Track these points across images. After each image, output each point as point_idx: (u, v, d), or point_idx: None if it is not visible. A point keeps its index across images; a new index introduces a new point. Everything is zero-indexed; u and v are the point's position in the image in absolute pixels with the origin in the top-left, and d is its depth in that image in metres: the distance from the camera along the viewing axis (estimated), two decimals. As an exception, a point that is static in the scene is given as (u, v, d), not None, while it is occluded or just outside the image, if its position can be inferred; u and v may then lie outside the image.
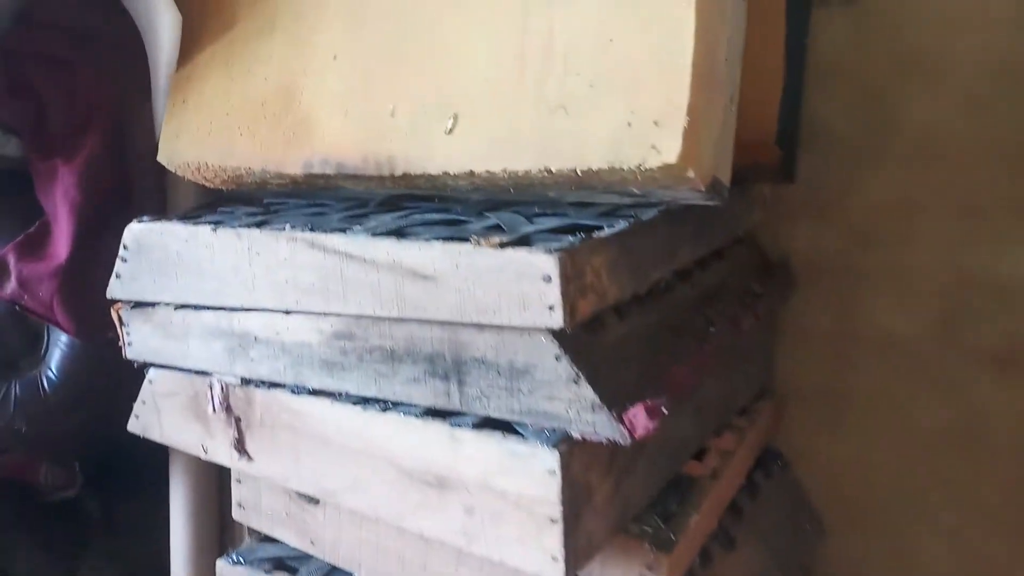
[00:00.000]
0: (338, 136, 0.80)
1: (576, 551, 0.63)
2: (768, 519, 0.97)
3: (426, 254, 0.65)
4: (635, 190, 0.70)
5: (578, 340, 0.62)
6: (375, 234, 0.69)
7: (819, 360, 1.10)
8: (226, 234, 0.78)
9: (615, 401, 0.60)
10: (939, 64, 0.98)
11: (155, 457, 1.10)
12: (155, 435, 0.93)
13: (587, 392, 0.60)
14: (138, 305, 0.89)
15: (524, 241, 0.63)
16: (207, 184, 0.95)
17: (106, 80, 1.00)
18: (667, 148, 0.62)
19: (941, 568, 1.08)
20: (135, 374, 0.92)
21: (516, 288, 0.60)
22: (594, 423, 0.60)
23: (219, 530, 1.13)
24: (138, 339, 0.89)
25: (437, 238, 0.66)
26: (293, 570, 0.91)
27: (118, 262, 0.87)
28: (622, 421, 0.59)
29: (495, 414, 0.65)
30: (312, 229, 0.73)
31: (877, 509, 1.09)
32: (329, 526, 0.87)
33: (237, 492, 0.95)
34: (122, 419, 0.95)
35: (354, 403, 0.74)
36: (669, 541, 0.72)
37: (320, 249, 0.71)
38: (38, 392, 1.08)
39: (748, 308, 0.88)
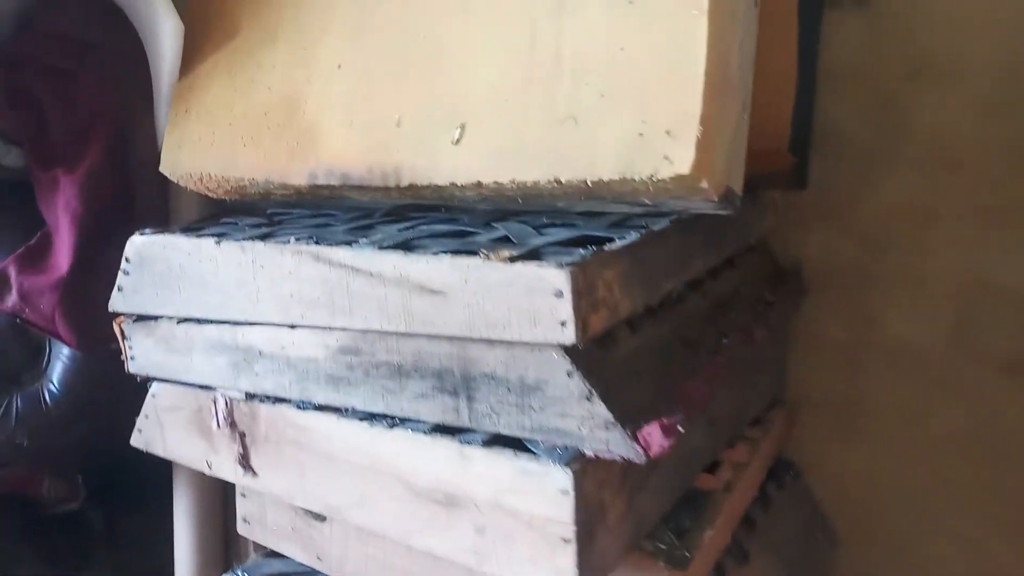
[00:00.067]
0: (343, 146, 0.78)
1: (590, 571, 0.62)
2: (781, 530, 0.96)
3: (434, 268, 0.63)
4: (646, 200, 0.68)
5: (590, 356, 0.60)
6: (381, 247, 0.67)
7: (831, 368, 1.08)
8: (230, 247, 0.77)
9: (629, 418, 0.59)
10: (953, 67, 0.97)
11: (158, 470, 1.09)
12: (158, 450, 0.91)
13: (600, 409, 0.58)
14: (140, 319, 0.87)
15: (534, 254, 0.61)
16: (210, 194, 0.94)
17: (107, 89, 0.99)
18: (680, 158, 0.61)
19: (957, 578, 1.06)
20: (137, 387, 0.91)
21: (527, 303, 0.59)
22: (608, 441, 0.59)
23: (223, 544, 1.12)
24: (140, 353, 0.88)
25: (445, 251, 0.64)
26: (299, 586, 0.90)
27: (120, 275, 0.86)
28: (636, 439, 0.57)
29: (505, 431, 0.64)
30: (317, 242, 0.72)
31: (891, 518, 1.08)
32: (336, 542, 0.86)
33: (242, 507, 0.94)
34: (125, 432, 0.93)
35: (361, 419, 0.72)
36: (684, 559, 0.71)
37: (325, 262, 0.70)
38: (40, 406, 1.07)
39: (760, 317, 0.87)
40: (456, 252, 0.64)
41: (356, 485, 0.74)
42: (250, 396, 0.80)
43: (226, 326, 0.80)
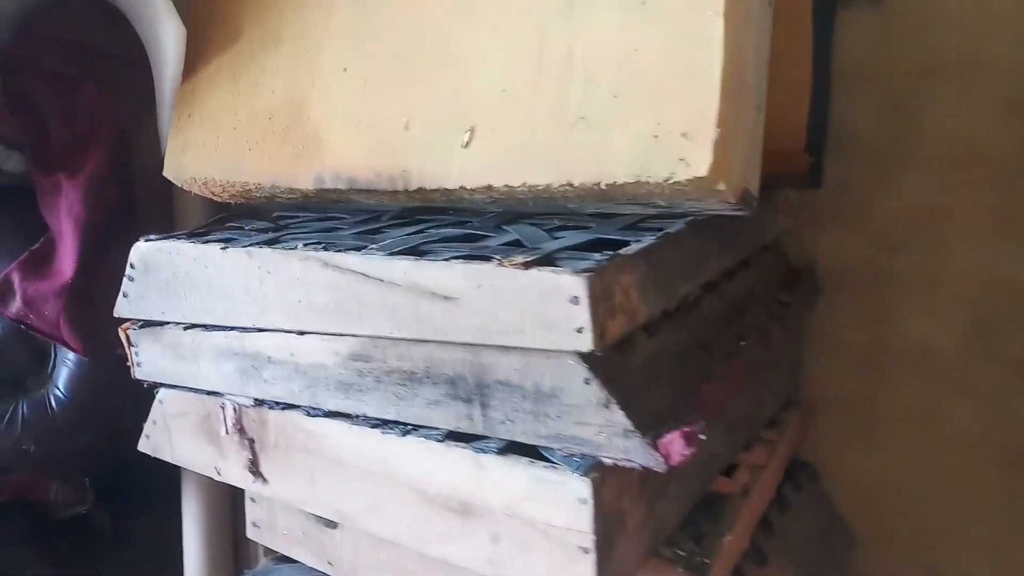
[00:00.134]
0: (350, 150, 0.77)
1: (609, 581, 0.61)
2: (798, 533, 0.95)
3: (446, 275, 0.62)
4: (660, 202, 0.67)
5: (608, 362, 0.59)
6: (391, 253, 0.66)
7: (847, 369, 1.07)
8: (236, 253, 0.76)
9: (648, 426, 0.58)
10: (968, 65, 0.95)
11: (166, 472, 1.08)
12: (166, 455, 0.91)
13: (619, 417, 0.57)
14: (146, 325, 0.86)
15: (549, 260, 0.60)
16: (215, 199, 0.93)
17: (109, 94, 0.98)
18: (697, 161, 0.59)
19: (977, 582, 1.05)
20: (144, 390, 0.90)
21: (542, 310, 0.58)
22: (627, 449, 0.58)
23: (233, 549, 1.11)
24: (147, 360, 0.87)
25: (456, 257, 0.63)
26: (310, 593, 0.89)
27: (125, 281, 0.85)
28: (657, 448, 0.56)
29: (521, 439, 0.63)
30: (325, 247, 0.70)
31: (908, 521, 1.06)
32: (347, 547, 0.85)
33: (251, 511, 0.93)
34: (132, 436, 0.92)
35: (372, 426, 0.71)
36: (703, 565, 0.70)
37: (334, 269, 0.69)
38: (46, 411, 1.06)
39: (776, 318, 0.86)
40: (468, 258, 0.62)
41: (368, 492, 0.73)
42: (259, 402, 0.79)
43: (234, 332, 0.79)
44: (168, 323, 0.84)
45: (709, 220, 0.72)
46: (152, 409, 0.89)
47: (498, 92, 0.70)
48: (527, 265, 0.58)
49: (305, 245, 0.72)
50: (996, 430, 1.01)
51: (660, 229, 0.68)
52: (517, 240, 0.69)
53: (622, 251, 0.61)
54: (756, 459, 0.87)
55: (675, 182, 0.60)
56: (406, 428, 0.69)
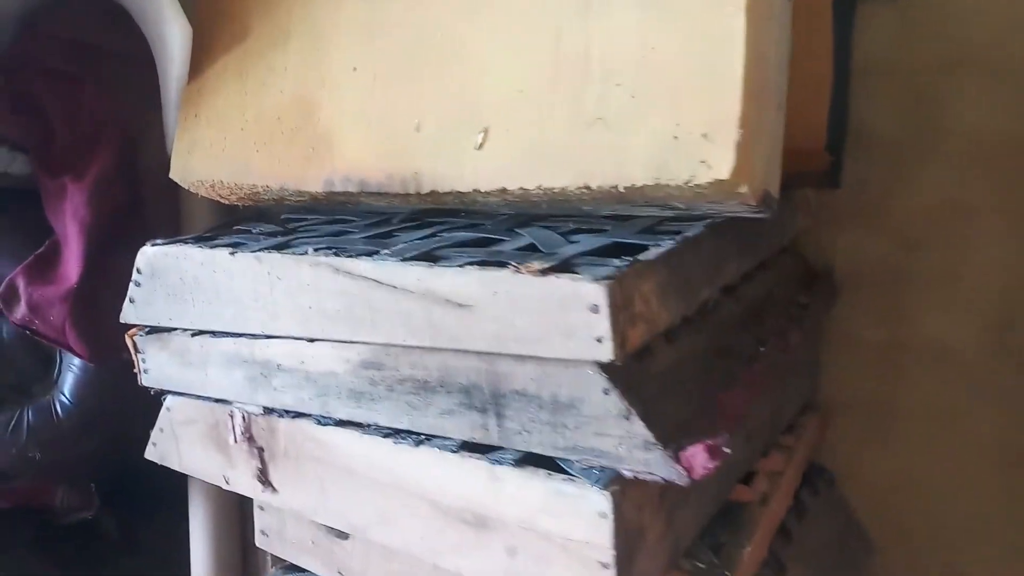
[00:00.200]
0: (360, 152, 0.76)
1: (629, 595, 0.59)
2: (816, 538, 0.93)
3: (461, 281, 0.60)
4: (679, 204, 0.66)
5: (628, 372, 0.57)
6: (404, 259, 0.64)
7: (865, 370, 1.05)
8: (245, 258, 0.74)
9: (670, 438, 0.56)
10: (989, 59, 0.93)
11: (174, 477, 1.06)
12: (174, 463, 0.89)
13: (640, 429, 0.55)
14: (153, 331, 0.85)
15: (567, 266, 0.58)
16: (222, 200, 0.91)
17: (114, 94, 0.97)
18: (719, 163, 0.58)
19: (997, 588, 1.03)
20: (150, 396, 0.88)
21: (560, 318, 0.56)
22: (648, 462, 0.56)
23: (241, 557, 1.10)
24: (154, 366, 0.85)
25: (471, 263, 0.61)
26: (321, 602, 0.87)
27: (132, 286, 0.83)
28: (679, 460, 0.55)
29: (537, 450, 0.61)
30: (336, 252, 0.69)
31: (928, 526, 1.05)
32: (358, 557, 0.83)
33: (260, 520, 0.91)
34: (138, 442, 0.91)
35: (384, 435, 0.70)
36: (723, 578, 0.68)
37: (346, 275, 0.67)
38: (51, 417, 1.05)
39: (795, 321, 0.84)
40: (483, 264, 0.61)
41: (379, 502, 0.71)
42: (268, 410, 0.78)
43: (243, 339, 0.77)
44: (175, 329, 0.83)
45: (728, 222, 0.70)
46: (159, 416, 0.88)
47: (512, 92, 0.68)
48: (544, 272, 0.57)
49: (315, 250, 0.70)
50: (1017, 430, 0.99)
51: (678, 232, 0.66)
52: (532, 244, 0.67)
53: (641, 256, 0.60)
54: (774, 466, 0.86)
55: (696, 184, 0.59)
56: (419, 438, 0.68)
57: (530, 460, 0.62)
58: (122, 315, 0.85)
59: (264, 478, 0.80)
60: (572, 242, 0.66)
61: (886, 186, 1.00)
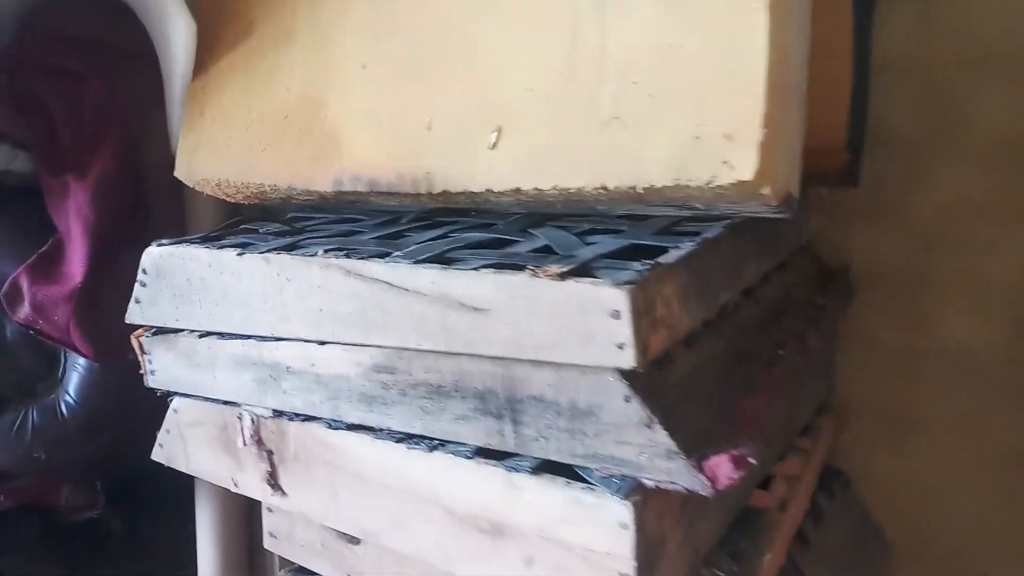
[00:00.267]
0: (369, 151, 0.74)
1: (649, 606, 0.58)
2: (833, 542, 0.92)
3: (476, 285, 0.59)
4: (698, 205, 0.64)
5: (649, 378, 0.56)
6: (417, 261, 0.63)
7: (881, 372, 1.03)
8: (253, 259, 0.72)
9: (693, 446, 0.54)
10: (1012, 55, 0.90)
11: (181, 476, 1.05)
12: (181, 465, 0.88)
13: (662, 437, 0.54)
14: (159, 332, 0.83)
15: (585, 270, 0.56)
16: (228, 199, 0.90)
17: (117, 91, 0.95)
18: (741, 164, 0.56)
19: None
20: (157, 395, 0.87)
21: (580, 323, 0.55)
22: (670, 471, 0.54)
23: (248, 559, 1.09)
24: (161, 368, 0.84)
25: (486, 265, 0.60)
26: (331, 606, 0.86)
27: (137, 287, 0.82)
28: (703, 470, 0.53)
29: (555, 457, 0.60)
30: (347, 253, 0.67)
31: (945, 531, 1.03)
32: (369, 561, 0.82)
33: (269, 521, 0.90)
34: (144, 441, 0.89)
35: (397, 440, 0.68)
36: (744, 587, 0.67)
37: (357, 277, 0.65)
38: (56, 418, 1.03)
39: (813, 323, 0.82)
40: (499, 266, 0.59)
41: (392, 508, 0.70)
42: (278, 413, 0.76)
43: (251, 341, 0.76)
44: (182, 330, 0.81)
45: (747, 222, 0.69)
46: (166, 418, 0.86)
47: (526, 90, 0.66)
48: (563, 276, 0.55)
49: (326, 251, 0.68)
50: (1037, 435, 0.97)
51: (697, 233, 0.65)
52: (547, 246, 0.65)
53: (662, 259, 0.58)
54: (791, 470, 0.84)
55: (717, 186, 0.57)
56: (433, 443, 0.66)
57: (547, 468, 0.60)
58: (127, 315, 0.84)
59: (273, 481, 0.79)
60: (588, 243, 0.65)
61: (904, 184, 0.97)
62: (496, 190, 0.67)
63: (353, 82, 0.76)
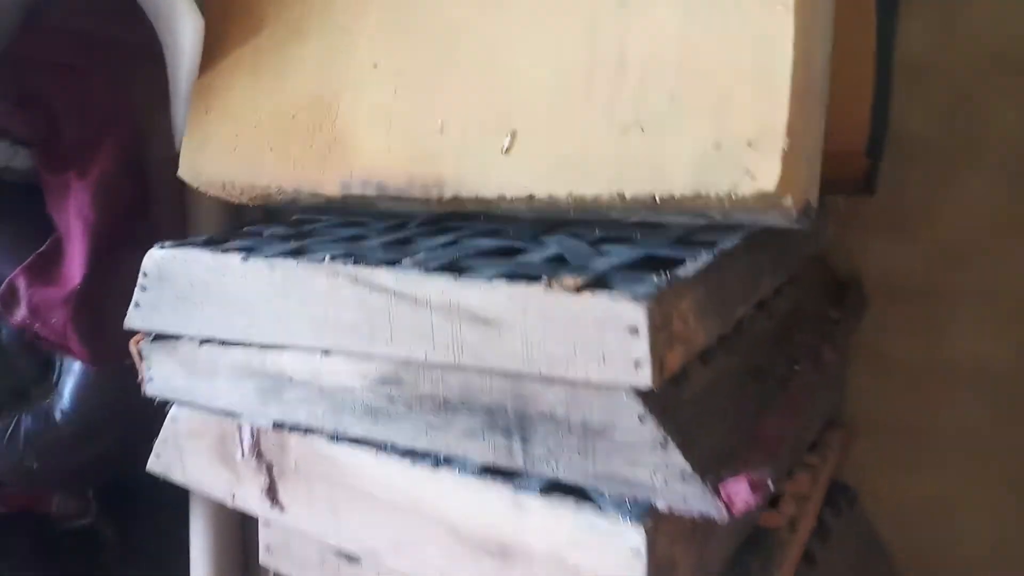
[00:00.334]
0: (380, 154, 0.72)
1: (660, 633, 0.55)
2: (839, 561, 0.90)
3: (488, 296, 0.57)
4: (715, 215, 0.62)
5: (664, 396, 0.54)
6: (427, 270, 0.61)
7: (894, 387, 1.00)
8: (257, 264, 0.70)
9: (708, 468, 0.52)
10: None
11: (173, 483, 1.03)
12: (177, 477, 0.85)
13: (677, 459, 0.52)
14: (159, 338, 0.81)
15: (602, 282, 0.54)
16: (232, 200, 0.87)
17: (121, 88, 0.93)
18: (764, 173, 0.54)
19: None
20: (153, 401, 0.84)
21: (595, 339, 0.52)
22: (684, 494, 0.52)
23: (243, 567, 1.07)
24: (159, 375, 0.81)
25: (498, 275, 0.58)
26: (329, 622, 0.84)
27: (137, 290, 0.80)
28: (719, 494, 0.51)
29: (565, 477, 0.58)
30: (354, 259, 0.65)
31: (955, 550, 1.00)
32: (368, 576, 0.80)
33: (265, 535, 0.87)
34: (140, 448, 0.87)
35: (401, 455, 0.66)
36: (756, 611, 0.65)
37: (364, 285, 0.63)
38: (50, 424, 1.01)
39: (827, 337, 0.80)
40: (511, 277, 0.57)
41: (395, 526, 0.68)
42: (279, 425, 0.74)
43: (253, 349, 0.74)
44: (183, 337, 0.79)
45: (764, 232, 0.67)
46: (163, 427, 0.84)
47: (543, 93, 0.64)
48: (580, 289, 0.53)
49: (332, 258, 0.66)
50: (1054, 457, 0.95)
51: (713, 243, 0.63)
52: (560, 255, 0.63)
53: (679, 272, 0.56)
54: (800, 487, 0.82)
55: (737, 195, 0.55)
56: (439, 460, 0.64)
57: (557, 488, 0.58)
58: (127, 320, 0.81)
59: (273, 496, 0.76)
60: (602, 253, 0.63)
61: (922, 193, 0.95)
62: (509, 196, 0.65)
63: (364, 82, 0.74)
